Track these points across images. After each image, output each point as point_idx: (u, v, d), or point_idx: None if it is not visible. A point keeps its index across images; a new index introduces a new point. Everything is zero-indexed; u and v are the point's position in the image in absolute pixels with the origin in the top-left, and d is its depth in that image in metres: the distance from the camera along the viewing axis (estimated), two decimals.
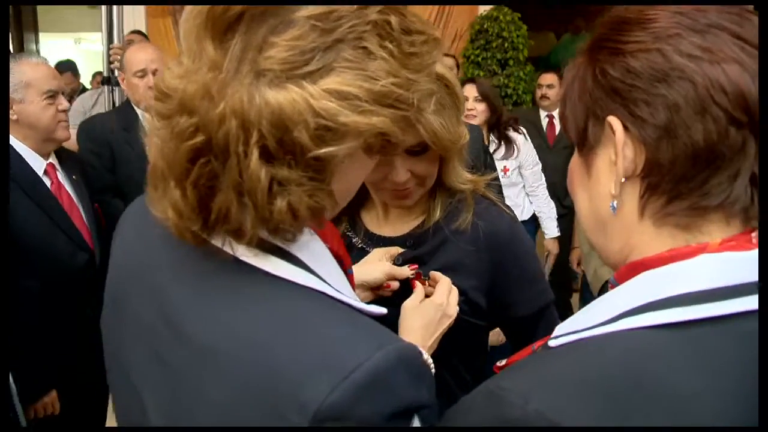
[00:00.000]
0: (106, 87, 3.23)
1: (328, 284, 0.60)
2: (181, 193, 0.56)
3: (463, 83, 3.07)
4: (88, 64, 6.76)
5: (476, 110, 3.11)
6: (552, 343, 0.62)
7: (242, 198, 0.54)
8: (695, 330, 0.53)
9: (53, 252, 1.99)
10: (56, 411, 1.98)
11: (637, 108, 0.57)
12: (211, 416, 0.55)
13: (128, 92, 2.72)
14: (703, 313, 0.53)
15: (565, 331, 0.61)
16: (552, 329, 0.64)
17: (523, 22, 5.55)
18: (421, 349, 0.96)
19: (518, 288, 1.17)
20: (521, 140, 3.31)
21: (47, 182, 2.07)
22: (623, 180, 0.60)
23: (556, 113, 3.84)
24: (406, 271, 1.10)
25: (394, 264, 1.13)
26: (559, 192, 3.64)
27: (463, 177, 1.15)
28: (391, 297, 1.09)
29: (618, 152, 0.59)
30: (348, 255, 0.71)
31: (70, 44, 9.15)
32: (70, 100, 3.85)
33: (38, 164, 2.06)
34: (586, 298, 3.30)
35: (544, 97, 4.03)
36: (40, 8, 7.35)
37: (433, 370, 0.86)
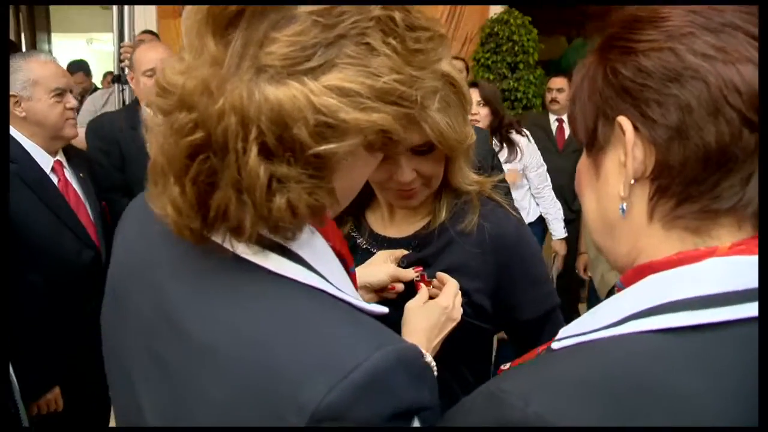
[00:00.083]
0: (116, 85, 3.26)
1: (330, 282, 0.59)
2: (180, 189, 0.55)
3: None
4: (99, 65, 6.81)
5: (479, 114, 3.11)
6: (555, 345, 0.61)
7: (241, 195, 0.53)
8: (701, 334, 0.52)
9: (59, 249, 1.99)
10: (59, 408, 1.99)
11: (648, 108, 0.56)
12: (210, 416, 0.54)
13: (137, 91, 2.73)
14: (710, 317, 0.52)
15: (569, 334, 0.60)
16: (557, 333, 0.63)
17: (534, 26, 5.53)
18: (423, 350, 0.95)
19: (524, 291, 1.15)
20: (524, 143, 3.31)
21: (54, 179, 2.07)
22: (632, 182, 0.59)
23: (565, 117, 3.84)
24: (411, 273, 1.09)
25: (399, 266, 1.12)
26: (568, 196, 3.62)
27: (469, 178, 1.14)
28: (395, 298, 1.08)
29: (628, 153, 0.58)
30: (350, 254, 0.70)
31: (82, 45, 9.23)
32: (82, 99, 3.90)
33: (46, 162, 2.07)
34: (594, 304, 3.26)
35: (553, 101, 4.03)
36: (52, 9, 7.42)
37: (436, 372, 0.85)
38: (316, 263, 0.60)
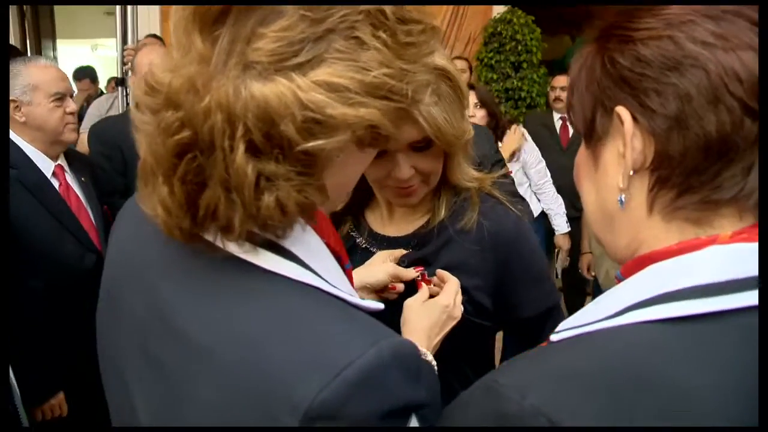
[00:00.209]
0: (120, 89, 3.27)
1: (324, 279, 0.58)
2: (169, 189, 0.55)
3: None
4: (104, 70, 6.85)
5: (477, 116, 3.14)
6: (554, 337, 0.60)
7: (230, 194, 0.53)
8: (702, 324, 0.51)
9: (61, 253, 1.99)
10: (64, 413, 1.99)
11: (647, 98, 0.56)
12: (203, 417, 0.54)
13: None
14: (711, 307, 0.51)
15: (568, 326, 0.59)
16: None
17: (538, 25, 5.53)
18: (423, 348, 0.94)
19: (524, 287, 1.14)
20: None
21: (55, 184, 2.08)
22: (632, 173, 0.58)
23: None
24: (411, 272, 1.08)
25: (399, 265, 1.11)
26: (573, 194, 3.60)
27: (468, 174, 1.13)
28: (396, 299, 1.07)
29: (626, 144, 0.57)
30: (345, 250, 0.69)
31: (87, 51, 9.30)
32: (88, 105, 3.92)
33: (47, 166, 2.07)
34: None
35: (557, 99, 4.03)
36: (57, 16, 7.47)
37: (435, 369, 0.83)
38: (310, 260, 0.59)
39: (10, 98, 1.96)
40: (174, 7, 0.56)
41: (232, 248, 0.57)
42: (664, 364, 0.49)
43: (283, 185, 0.53)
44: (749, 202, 0.55)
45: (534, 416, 0.47)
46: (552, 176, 3.51)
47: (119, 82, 3.32)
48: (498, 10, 5.72)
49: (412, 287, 1.08)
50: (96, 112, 3.79)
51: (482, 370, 1.14)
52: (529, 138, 3.41)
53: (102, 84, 6.18)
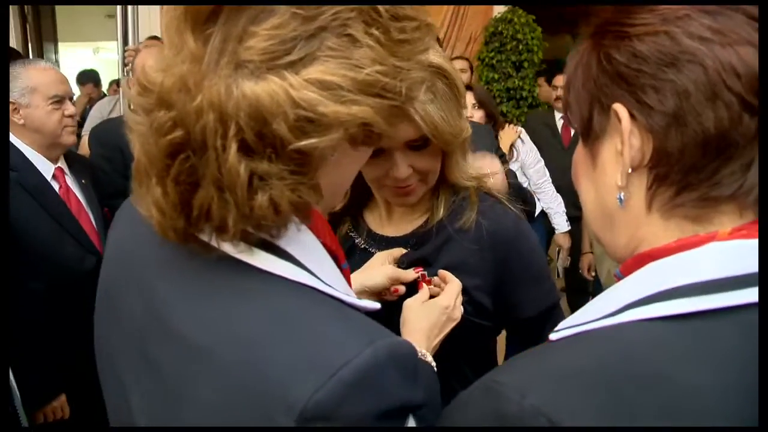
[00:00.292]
0: (121, 90, 3.28)
1: (319, 279, 0.58)
2: (163, 190, 0.55)
3: None
4: (106, 73, 6.87)
5: (475, 117, 3.15)
6: (553, 336, 0.59)
7: (223, 194, 0.52)
8: (701, 321, 0.51)
9: (61, 256, 1.99)
10: (66, 415, 1.99)
11: (644, 94, 0.55)
12: (200, 418, 0.54)
13: None
14: (711, 304, 0.51)
15: (568, 325, 0.59)
16: None
17: (539, 25, 5.52)
18: (422, 349, 0.94)
19: (524, 286, 1.14)
20: (518, 143, 3.35)
21: (56, 186, 2.08)
22: (630, 171, 0.57)
23: None
24: (411, 274, 1.07)
25: (399, 266, 1.10)
26: (574, 194, 3.59)
27: (467, 173, 1.12)
28: (396, 300, 1.06)
29: (624, 141, 0.56)
30: (341, 249, 0.68)
31: (89, 53, 9.32)
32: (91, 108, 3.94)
33: (47, 169, 2.07)
34: None
35: (558, 98, 4.01)
36: (59, 18, 7.49)
37: (435, 370, 0.83)
38: (306, 260, 0.58)
39: (9, 100, 1.97)
40: (166, 6, 0.56)
41: (227, 248, 0.56)
42: (663, 362, 0.49)
43: (276, 184, 0.52)
44: (749, 198, 0.55)
45: (534, 416, 0.47)
46: (554, 176, 3.50)
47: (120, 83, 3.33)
48: (499, 9, 5.71)
49: (412, 287, 1.08)
50: (98, 114, 3.80)
51: (483, 371, 1.13)
52: (527, 138, 3.41)
53: (104, 87, 6.20)
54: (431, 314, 0.99)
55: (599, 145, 0.61)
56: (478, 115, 3.15)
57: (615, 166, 0.59)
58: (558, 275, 3.97)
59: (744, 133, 0.52)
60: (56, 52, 7.70)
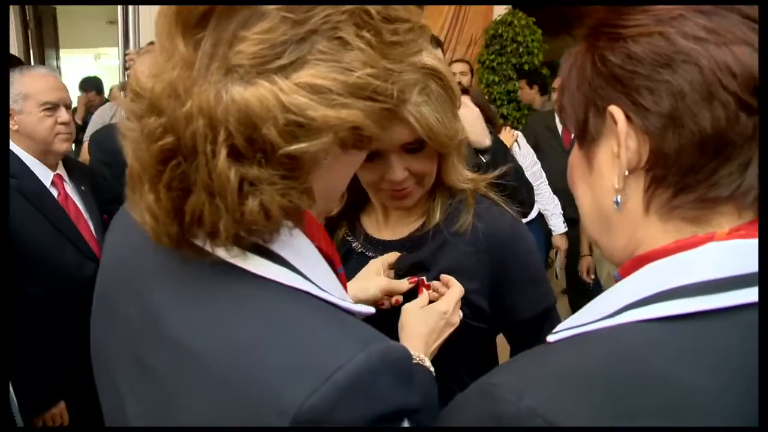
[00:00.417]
0: (122, 94, 3.29)
1: (314, 283, 0.58)
2: (155, 196, 0.55)
3: None
4: (107, 79, 6.90)
5: None
6: (551, 338, 0.59)
7: (214, 199, 0.52)
8: (700, 322, 0.50)
9: (60, 262, 1.99)
10: (65, 422, 1.99)
11: (639, 96, 0.55)
12: (192, 423, 0.54)
13: None
14: (709, 304, 0.50)
15: (566, 327, 0.58)
16: None
17: (539, 27, 5.53)
18: (421, 354, 0.94)
19: (521, 288, 1.13)
20: (515, 147, 3.35)
21: (54, 193, 2.08)
22: (627, 173, 0.57)
23: None
24: (405, 284, 1.07)
25: (397, 269, 1.10)
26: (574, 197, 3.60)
27: (463, 176, 1.12)
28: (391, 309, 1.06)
29: (621, 144, 0.56)
30: (337, 254, 0.68)
31: (90, 60, 9.37)
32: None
33: (45, 175, 2.07)
34: None
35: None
36: (60, 25, 7.52)
37: (433, 374, 0.82)
38: (300, 264, 0.58)
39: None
40: (157, 12, 0.56)
41: (221, 253, 0.56)
42: (662, 362, 0.49)
43: (266, 189, 0.52)
44: (747, 199, 0.54)
45: (530, 417, 0.47)
46: (555, 178, 3.50)
47: (121, 88, 3.34)
48: (499, 11, 5.72)
49: (412, 291, 1.07)
50: (99, 120, 3.82)
51: (481, 374, 1.13)
52: (523, 142, 3.42)
53: (106, 93, 6.22)
54: (429, 319, 0.99)
55: (595, 148, 0.60)
56: None
57: (611, 169, 0.58)
58: (556, 277, 3.97)
59: (741, 133, 0.52)
60: (58, 58, 7.73)
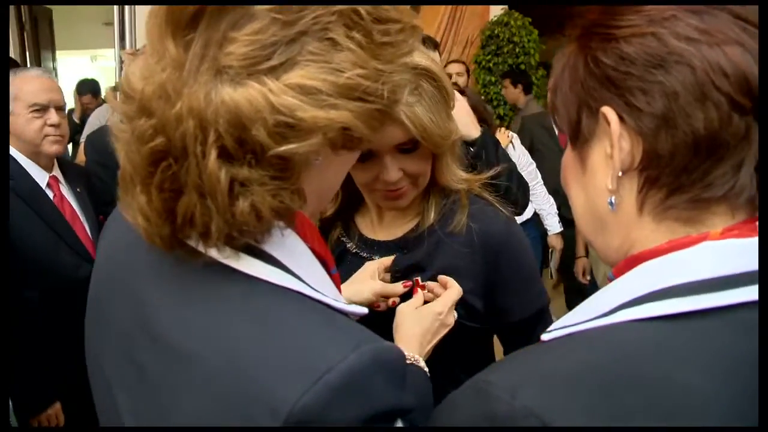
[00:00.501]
0: (119, 94, 3.28)
1: (306, 283, 0.58)
2: (147, 198, 0.55)
3: None
4: (104, 80, 6.88)
5: None
6: (545, 337, 0.59)
7: (205, 200, 0.52)
8: (694, 321, 0.51)
9: (56, 263, 1.99)
10: (60, 423, 1.98)
11: (632, 97, 0.55)
12: (185, 423, 0.54)
13: None
14: (703, 303, 0.50)
15: (560, 326, 0.58)
16: None
17: (536, 27, 5.53)
18: (415, 354, 0.94)
19: (515, 288, 1.13)
20: (509, 147, 3.36)
21: (50, 194, 2.08)
22: (620, 174, 0.57)
23: None
24: (398, 288, 1.07)
25: (394, 271, 1.10)
26: None
27: (457, 176, 1.12)
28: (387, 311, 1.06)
29: (614, 145, 0.56)
30: (330, 254, 0.68)
31: (87, 61, 9.35)
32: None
33: (41, 176, 2.07)
34: None
35: None
36: (56, 27, 7.51)
37: (428, 374, 0.82)
38: (293, 264, 0.58)
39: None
40: (148, 13, 0.56)
41: (213, 254, 0.56)
42: (656, 361, 0.49)
43: (257, 190, 0.52)
44: (740, 199, 0.54)
45: (525, 416, 0.47)
46: (551, 178, 3.51)
47: (118, 89, 3.33)
48: (495, 11, 5.73)
49: (408, 291, 1.07)
50: (96, 121, 3.81)
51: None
52: (518, 143, 3.43)
53: (102, 94, 6.20)
54: (424, 320, 0.99)
55: (588, 149, 0.60)
56: None
57: (605, 170, 0.58)
58: (551, 276, 3.98)
59: (734, 133, 0.52)
60: (54, 60, 7.71)
